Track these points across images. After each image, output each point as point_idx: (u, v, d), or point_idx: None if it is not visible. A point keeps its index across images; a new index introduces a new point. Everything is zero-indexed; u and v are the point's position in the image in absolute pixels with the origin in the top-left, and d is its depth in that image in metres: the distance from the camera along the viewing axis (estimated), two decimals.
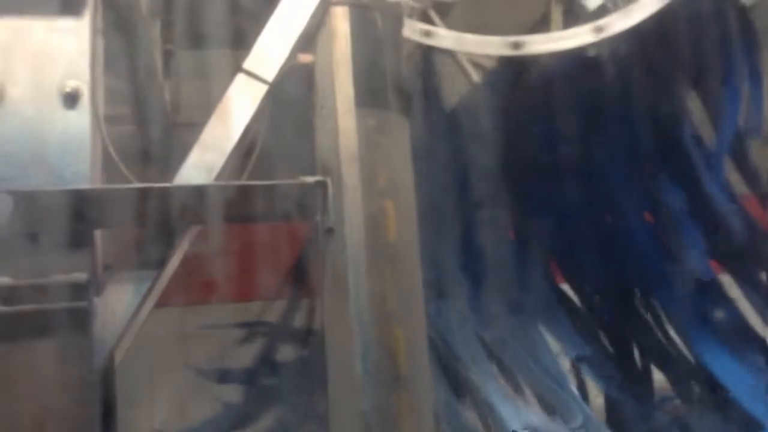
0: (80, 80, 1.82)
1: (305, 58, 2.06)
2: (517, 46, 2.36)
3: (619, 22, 2.39)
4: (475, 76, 3.06)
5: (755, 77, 2.98)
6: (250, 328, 3.67)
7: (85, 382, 1.70)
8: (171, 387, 4.17)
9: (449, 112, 3.20)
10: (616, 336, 3.48)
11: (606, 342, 3.47)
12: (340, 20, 1.96)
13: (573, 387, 3.36)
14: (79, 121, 1.81)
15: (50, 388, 1.68)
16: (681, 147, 3.14)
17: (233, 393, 3.54)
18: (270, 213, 1.98)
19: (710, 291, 3.14)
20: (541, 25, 2.64)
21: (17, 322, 1.68)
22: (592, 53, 2.61)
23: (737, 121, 3.04)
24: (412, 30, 2.20)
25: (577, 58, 2.68)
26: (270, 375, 3.47)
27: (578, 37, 2.41)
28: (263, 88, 2.01)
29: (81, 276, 1.72)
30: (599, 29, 2.39)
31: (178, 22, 2.64)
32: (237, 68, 2.04)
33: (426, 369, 2.06)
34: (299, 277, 3.49)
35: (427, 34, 2.28)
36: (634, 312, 3.41)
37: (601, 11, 2.40)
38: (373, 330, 1.91)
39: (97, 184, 1.88)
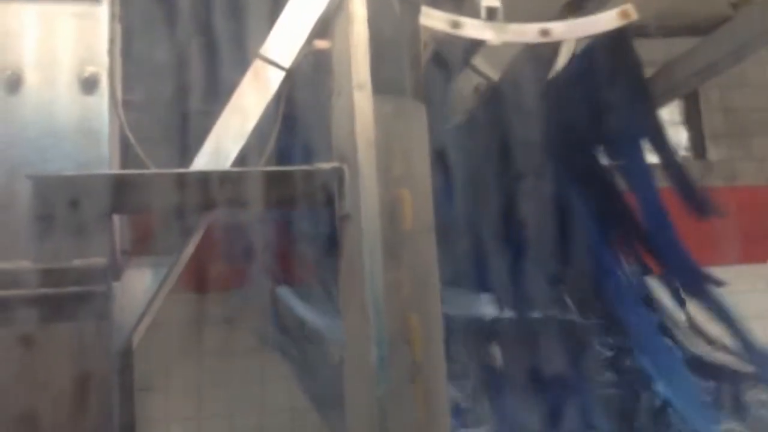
0: (98, 66, 1.83)
1: (322, 43, 2.06)
2: (545, 33, 2.36)
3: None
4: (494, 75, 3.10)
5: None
6: None
7: (103, 366, 1.72)
8: None
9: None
10: None
11: None
12: (358, 5, 1.95)
13: None
14: (98, 106, 1.82)
15: (69, 372, 1.69)
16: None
17: None
18: (286, 199, 1.98)
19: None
20: (567, 11, 2.64)
21: (35, 306, 1.70)
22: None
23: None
24: (439, 21, 2.21)
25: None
26: None
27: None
28: (280, 74, 2.01)
29: (99, 261, 1.74)
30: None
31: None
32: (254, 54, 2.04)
33: (441, 356, 2.06)
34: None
35: (456, 25, 2.27)
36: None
37: (492, 13, 2.41)
38: (389, 317, 1.91)
39: (115, 169, 1.90)
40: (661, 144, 3.23)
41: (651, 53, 5.14)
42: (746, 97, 5.81)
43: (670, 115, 5.96)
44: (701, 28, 4.63)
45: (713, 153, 5.79)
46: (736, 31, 3.57)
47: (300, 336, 3.42)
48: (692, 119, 5.92)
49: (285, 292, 3.46)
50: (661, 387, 3.24)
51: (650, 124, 3.21)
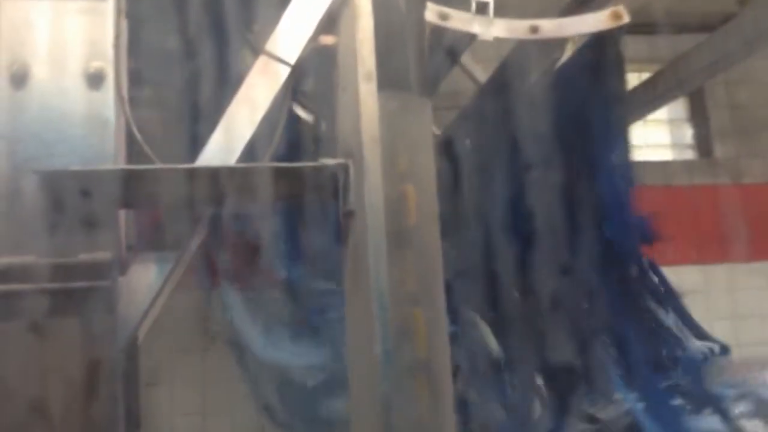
0: (104, 61, 1.83)
1: (327, 39, 2.06)
2: (534, 30, 2.37)
3: None
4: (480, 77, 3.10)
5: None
6: None
7: (109, 359, 1.72)
8: None
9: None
10: None
11: None
12: (363, 1, 1.95)
13: None
14: (103, 101, 1.82)
15: (74, 366, 1.70)
16: None
17: None
18: (292, 195, 1.98)
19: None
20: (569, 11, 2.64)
21: (42, 300, 1.70)
22: None
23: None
24: (428, 12, 2.20)
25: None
26: None
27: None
28: (285, 70, 2.01)
29: (105, 255, 1.74)
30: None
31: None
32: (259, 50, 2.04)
33: (445, 351, 2.06)
34: None
35: (444, 16, 2.28)
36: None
37: (482, 8, 2.41)
38: (393, 312, 1.91)
39: (121, 164, 1.90)
40: (623, 153, 3.22)
41: (657, 50, 5.14)
42: (752, 94, 5.78)
43: (675, 112, 5.94)
44: (708, 25, 4.61)
45: (719, 150, 5.76)
46: (743, 28, 3.56)
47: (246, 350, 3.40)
48: (698, 116, 5.89)
49: (234, 303, 3.39)
50: (632, 400, 3.26)
51: (621, 131, 3.21)
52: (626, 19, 2.47)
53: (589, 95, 2.96)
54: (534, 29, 2.41)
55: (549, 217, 3.23)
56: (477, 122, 3.20)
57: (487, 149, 3.18)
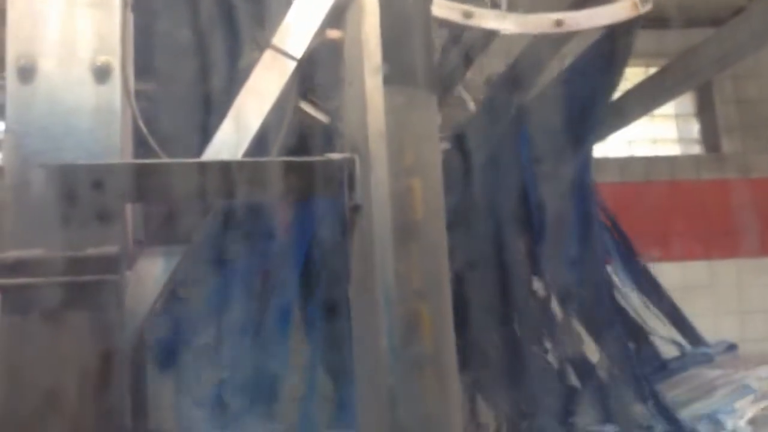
0: (111, 55, 1.83)
1: (334, 34, 2.05)
2: (559, 23, 2.36)
3: None
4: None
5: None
6: None
7: (116, 352, 1.73)
8: None
9: None
10: None
11: None
12: None
13: None
14: (110, 95, 1.82)
15: (80, 360, 1.71)
16: None
17: None
18: (300, 189, 1.98)
19: None
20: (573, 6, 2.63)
21: (48, 294, 1.71)
22: None
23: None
24: (451, 11, 2.20)
25: None
26: None
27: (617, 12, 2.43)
28: (292, 65, 2.01)
29: (113, 249, 1.75)
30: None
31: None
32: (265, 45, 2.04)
33: (451, 347, 2.06)
34: None
35: (468, 15, 2.27)
36: None
37: (495, 3, 2.41)
38: (399, 307, 1.91)
39: (128, 159, 1.90)
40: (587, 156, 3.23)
41: (665, 44, 5.11)
42: (760, 89, 5.76)
43: (683, 107, 5.92)
44: (717, 19, 4.59)
45: (726, 145, 5.74)
46: (752, 22, 3.54)
47: None
48: (705, 111, 5.87)
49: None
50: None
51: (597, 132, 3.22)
52: (643, 8, 2.46)
53: (594, 90, 2.95)
54: (559, 23, 2.41)
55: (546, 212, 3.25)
56: (488, 119, 3.21)
57: (495, 146, 3.19)
